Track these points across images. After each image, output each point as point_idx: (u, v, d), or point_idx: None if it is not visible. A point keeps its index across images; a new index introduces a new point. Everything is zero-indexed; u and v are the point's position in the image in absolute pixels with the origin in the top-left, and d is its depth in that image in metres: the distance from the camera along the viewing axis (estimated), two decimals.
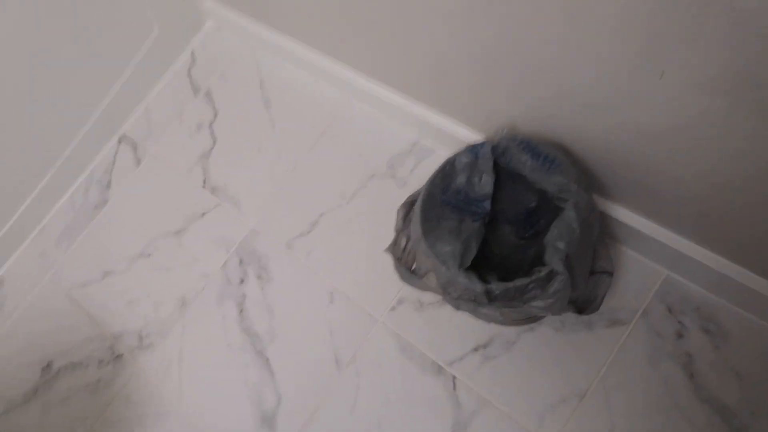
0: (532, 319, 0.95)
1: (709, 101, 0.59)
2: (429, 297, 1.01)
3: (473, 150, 0.82)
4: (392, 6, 0.83)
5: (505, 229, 0.92)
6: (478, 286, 0.74)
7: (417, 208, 0.82)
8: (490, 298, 0.75)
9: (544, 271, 0.74)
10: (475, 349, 0.97)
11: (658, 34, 0.56)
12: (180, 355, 1.09)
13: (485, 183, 0.82)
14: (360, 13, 0.91)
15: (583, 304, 0.85)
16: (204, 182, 1.21)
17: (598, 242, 0.86)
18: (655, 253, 0.93)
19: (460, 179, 0.83)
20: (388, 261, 0.90)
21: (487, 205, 0.83)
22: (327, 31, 1.06)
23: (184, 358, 1.08)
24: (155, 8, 1.22)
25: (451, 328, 0.99)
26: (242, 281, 1.11)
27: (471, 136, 1.01)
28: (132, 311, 1.14)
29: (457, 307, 0.81)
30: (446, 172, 0.83)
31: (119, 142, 1.30)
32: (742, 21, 0.48)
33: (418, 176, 1.09)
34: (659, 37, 0.56)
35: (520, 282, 0.74)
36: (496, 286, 0.74)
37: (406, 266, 0.88)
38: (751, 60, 0.51)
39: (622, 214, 0.91)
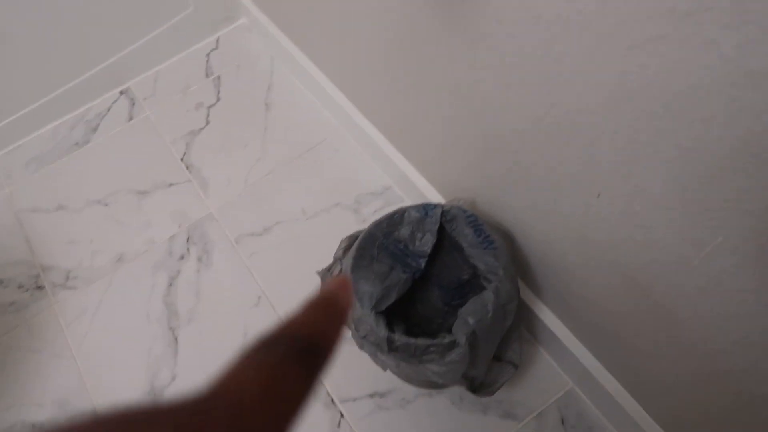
0: (434, 385, 0.98)
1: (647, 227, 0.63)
2: (347, 332, 1.03)
3: (425, 208, 0.86)
4: (406, 70, 0.89)
5: (435, 292, 0.95)
6: (382, 332, 0.77)
7: (356, 243, 0.85)
8: (391, 347, 0.78)
9: (447, 339, 0.77)
10: (371, 396, 0.99)
11: (594, 160, 0.61)
12: (97, 306, 1.10)
13: (426, 241, 0.86)
14: (375, 65, 0.97)
15: (479, 386, 0.88)
16: (183, 156, 1.24)
17: (513, 333, 0.89)
18: (567, 363, 0.96)
19: (405, 230, 0.87)
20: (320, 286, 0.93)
21: (422, 262, 0.87)
22: (341, 66, 1.13)
23: (100, 311, 1.09)
24: None
25: (356, 368, 1.01)
26: (182, 258, 1.13)
27: (439, 199, 1.05)
28: (69, 250, 1.16)
29: (361, 347, 0.83)
30: (394, 219, 0.87)
31: (121, 93, 1.34)
32: None
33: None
34: (595, 163, 0.61)
35: (422, 341, 0.77)
36: (399, 338, 0.77)
37: None
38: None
39: (548, 316, 0.95)
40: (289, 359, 0.17)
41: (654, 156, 0.53)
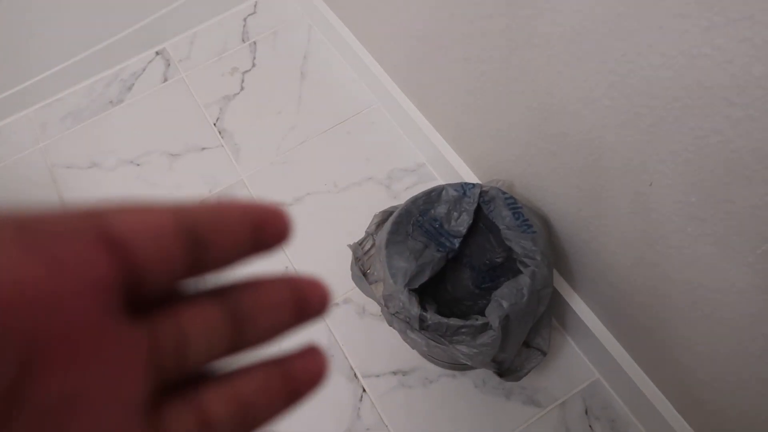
0: (458, 366, 0.97)
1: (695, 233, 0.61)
2: (373, 307, 1.03)
3: (464, 187, 0.85)
4: (451, 44, 0.86)
5: (466, 273, 0.94)
6: (414, 309, 0.76)
7: (391, 218, 0.84)
8: (422, 325, 0.77)
9: (480, 321, 0.76)
10: (394, 373, 0.98)
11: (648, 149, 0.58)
12: None
13: (462, 221, 0.84)
14: (418, 38, 0.95)
15: (507, 370, 0.86)
16: (216, 121, 1.23)
17: (543, 320, 0.87)
18: (595, 354, 0.95)
19: (441, 209, 0.85)
20: (350, 259, 0.92)
21: (457, 243, 0.85)
22: (381, 37, 1.10)
23: None
24: None
25: (381, 345, 1.00)
26: None
27: (473, 180, 1.03)
28: None
29: (390, 323, 0.82)
30: (431, 197, 0.85)
31: (156, 54, 1.33)
32: None
33: (411, 195, 1.12)
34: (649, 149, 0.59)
35: (454, 322, 0.76)
36: (431, 317, 0.76)
37: (362, 268, 0.89)
38: None
39: (580, 306, 0.93)
40: None
41: (720, 145, 0.51)
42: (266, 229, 0.17)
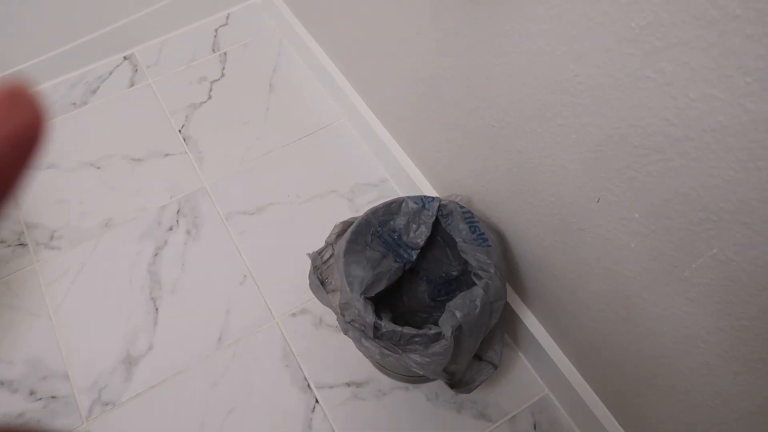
0: (411, 378, 0.98)
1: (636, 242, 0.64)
2: (330, 319, 1.03)
3: (423, 200, 0.87)
4: (418, 64, 0.89)
5: (422, 286, 0.95)
6: (369, 317, 0.77)
7: (351, 228, 0.85)
8: (377, 334, 0.78)
9: (433, 330, 0.77)
10: (348, 384, 0.98)
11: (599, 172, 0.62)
12: (80, 269, 1.08)
13: (420, 234, 0.86)
14: (386, 57, 0.98)
15: (458, 382, 0.88)
16: (181, 128, 1.23)
17: (496, 334, 0.89)
18: (545, 370, 0.97)
19: (401, 221, 0.87)
20: (308, 270, 0.93)
21: (414, 254, 0.87)
22: (351, 55, 1.13)
23: (83, 274, 1.08)
24: None
25: (335, 356, 1.01)
26: (171, 229, 1.12)
27: (435, 195, 1.06)
28: (57, 210, 1.14)
29: (345, 331, 0.83)
30: (391, 208, 0.87)
31: (124, 59, 1.33)
32: None
33: None
34: (598, 167, 0.62)
35: (408, 330, 0.77)
36: (386, 325, 0.77)
37: (320, 277, 0.90)
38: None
39: (531, 321, 0.95)
40: None
41: (660, 163, 0.54)
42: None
